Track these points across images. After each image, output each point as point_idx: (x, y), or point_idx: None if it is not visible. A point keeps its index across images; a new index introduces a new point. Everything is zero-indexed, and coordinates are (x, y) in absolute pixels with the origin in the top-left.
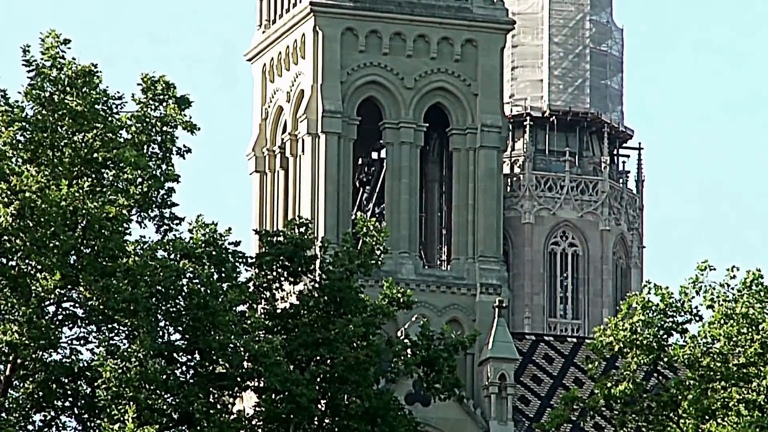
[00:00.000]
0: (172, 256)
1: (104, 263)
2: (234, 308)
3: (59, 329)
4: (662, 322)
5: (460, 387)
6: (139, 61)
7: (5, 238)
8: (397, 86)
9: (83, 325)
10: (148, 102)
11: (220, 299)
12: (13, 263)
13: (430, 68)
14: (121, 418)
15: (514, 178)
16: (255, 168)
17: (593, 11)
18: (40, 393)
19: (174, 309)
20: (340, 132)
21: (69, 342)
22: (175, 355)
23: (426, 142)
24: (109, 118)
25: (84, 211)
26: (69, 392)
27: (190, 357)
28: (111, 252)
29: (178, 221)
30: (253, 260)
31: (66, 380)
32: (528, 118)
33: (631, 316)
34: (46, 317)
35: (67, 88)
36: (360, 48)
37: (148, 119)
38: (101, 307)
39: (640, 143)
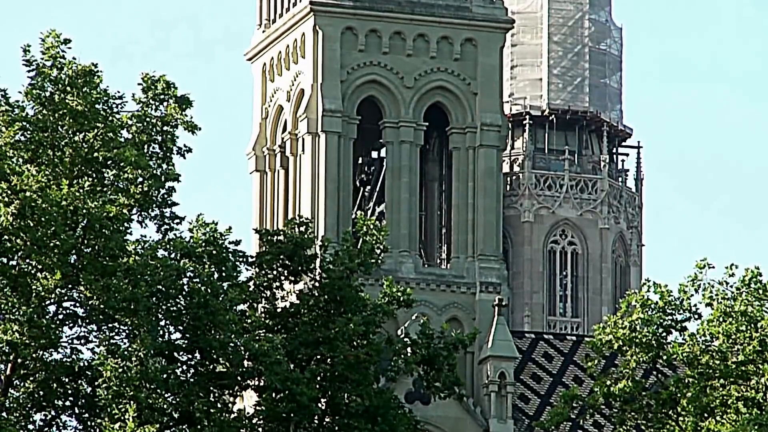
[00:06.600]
0: (172, 256)
1: (105, 263)
2: (234, 307)
3: (60, 328)
4: (661, 320)
5: (460, 385)
6: (140, 61)
7: (6, 237)
8: (396, 85)
9: (84, 324)
10: (148, 102)
11: (220, 298)
12: (14, 263)
13: (430, 67)
14: (122, 418)
15: (514, 177)
16: (255, 167)
17: (592, 10)
18: (41, 392)
19: (174, 308)
20: (340, 131)
21: (69, 341)
22: (175, 354)
23: (426, 141)
24: (110, 118)
25: (84, 211)
26: (69, 392)
27: (190, 356)
28: (111, 251)
29: (178, 220)
30: (254, 259)
31: (66, 379)
32: (527, 116)
33: (631, 314)
34: (47, 317)
35: (68, 88)
36: (360, 47)
37: (148, 119)
38: (102, 306)
39: (639, 142)
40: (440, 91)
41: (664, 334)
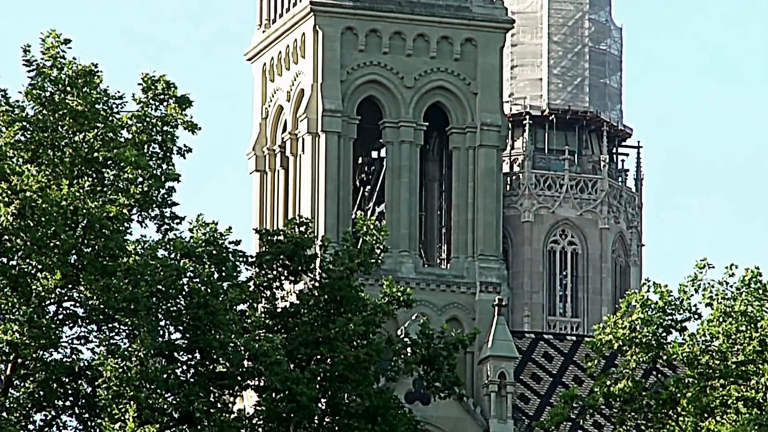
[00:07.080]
0: (172, 256)
1: (105, 263)
2: (234, 307)
3: (60, 329)
4: (661, 320)
5: (460, 385)
6: (140, 61)
7: (6, 237)
8: (396, 85)
9: (84, 324)
10: (148, 101)
11: (220, 298)
12: (14, 263)
13: (430, 67)
14: (122, 418)
15: (514, 177)
16: (255, 167)
17: (592, 10)
18: (41, 392)
19: (174, 308)
20: (340, 131)
21: (69, 341)
22: (175, 354)
23: (426, 141)
24: (110, 118)
25: (84, 211)
26: (70, 392)
27: (190, 356)
28: (111, 251)
29: (178, 220)
30: (254, 259)
31: (67, 380)
32: (527, 116)
33: (631, 314)
34: (47, 317)
35: (68, 88)
36: (360, 47)
37: (148, 119)
38: (102, 306)
39: (639, 141)
40: (440, 91)
41: (664, 334)
